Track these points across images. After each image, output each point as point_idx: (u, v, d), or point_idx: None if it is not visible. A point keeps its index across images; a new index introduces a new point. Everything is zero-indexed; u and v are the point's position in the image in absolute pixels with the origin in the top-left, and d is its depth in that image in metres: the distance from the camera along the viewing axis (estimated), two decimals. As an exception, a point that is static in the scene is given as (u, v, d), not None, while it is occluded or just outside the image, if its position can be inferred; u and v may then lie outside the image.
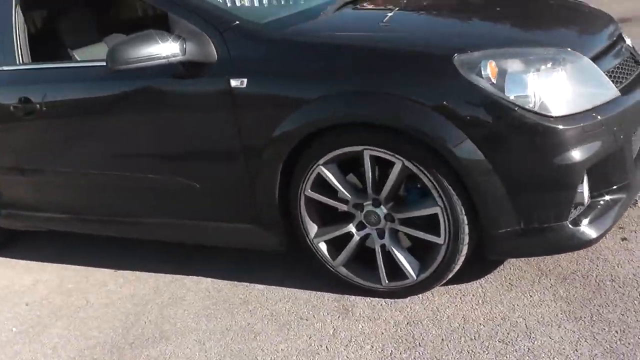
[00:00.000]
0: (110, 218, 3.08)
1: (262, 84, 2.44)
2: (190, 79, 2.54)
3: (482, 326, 2.31)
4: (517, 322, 2.30)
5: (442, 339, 2.27)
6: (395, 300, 2.56)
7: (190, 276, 3.06)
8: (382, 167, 2.41)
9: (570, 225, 2.24)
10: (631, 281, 2.40)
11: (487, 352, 2.17)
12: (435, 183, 2.26)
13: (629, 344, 2.10)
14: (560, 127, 2.12)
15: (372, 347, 2.31)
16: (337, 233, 2.56)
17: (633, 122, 2.37)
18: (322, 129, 2.36)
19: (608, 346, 2.10)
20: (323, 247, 2.61)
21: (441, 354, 2.20)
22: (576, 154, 2.15)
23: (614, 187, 2.36)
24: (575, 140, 2.15)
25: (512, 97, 2.13)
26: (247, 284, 2.91)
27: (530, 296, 2.43)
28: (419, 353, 2.23)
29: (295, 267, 2.94)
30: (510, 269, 2.61)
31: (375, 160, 2.35)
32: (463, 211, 2.28)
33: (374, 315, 2.48)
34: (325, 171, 2.44)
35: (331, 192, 2.55)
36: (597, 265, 2.52)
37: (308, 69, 2.38)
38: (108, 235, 3.26)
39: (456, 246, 2.33)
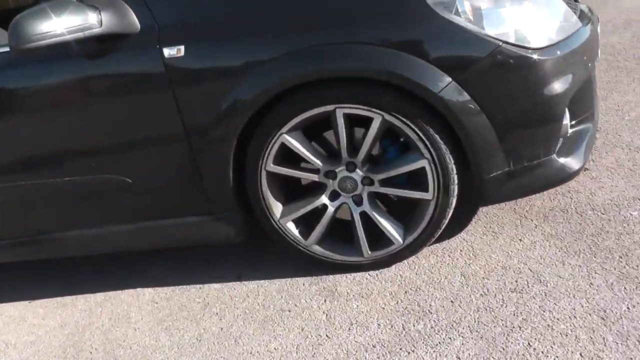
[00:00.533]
0: (24, 239, 2.50)
1: (204, 49, 2.07)
2: (111, 53, 2.09)
3: (486, 280, 2.15)
4: (519, 268, 2.16)
5: (452, 301, 2.08)
6: (380, 271, 2.33)
7: (125, 290, 2.62)
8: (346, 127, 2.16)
9: (557, 158, 2.15)
10: (611, 206, 2.36)
11: (505, 305, 2.01)
12: (421, 134, 2.05)
13: (636, 266, 2.04)
14: (544, 58, 2.00)
15: (379, 325, 2.06)
16: (309, 208, 2.27)
17: (594, 51, 2.33)
18: (284, 92, 2.06)
19: (619, 272, 2.03)
20: (292, 226, 2.31)
21: (457, 316, 2.01)
22: (561, 84, 2.05)
23: (583, 116, 2.31)
24: (559, 70, 2.05)
25: (493, 33, 1.97)
26: (199, 285, 2.53)
27: (520, 240, 2.31)
28: (434, 321, 2.02)
29: (249, 257, 2.61)
30: (487, 217, 2.48)
31: (348, 119, 2.10)
32: (452, 160, 2.09)
33: (365, 291, 2.24)
34: (290, 139, 2.14)
35: (293, 164, 2.26)
36: (572, 199, 2.47)
37: (259, 25, 2.04)
38: (11, 262, 2.70)
39: (446, 199, 2.14)
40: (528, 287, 2.07)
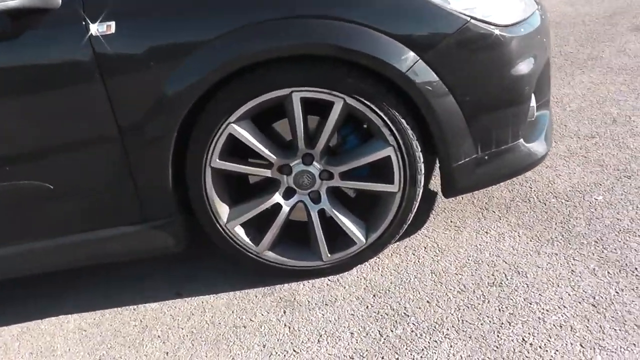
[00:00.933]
0: None
1: (138, 26, 1.79)
2: (27, 32, 1.77)
3: (460, 276, 1.98)
4: (493, 261, 2.01)
5: (428, 302, 1.89)
6: (341, 275, 2.10)
7: (46, 319, 2.24)
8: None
9: (524, 143, 2.03)
10: (573, 193, 2.27)
11: (487, 301, 1.84)
12: (386, 118, 1.86)
13: (614, 249, 1.94)
14: (511, 35, 1.88)
15: (353, 333, 1.84)
16: (260, 209, 2.02)
17: (549, 34, 2.25)
18: (231, 76, 1.81)
19: (598, 257, 1.92)
20: (240, 231, 2.05)
21: (438, 317, 1.82)
22: (528, 63, 1.95)
23: (541, 101, 2.22)
24: (524, 50, 1.94)
25: (459, 8, 1.83)
26: (133, 306, 2.20)
27: (486, 232, 2.16)
28: (414, 324, 1.82)
29: (187, 269, 2.32)
30: (445, 212, 2.32)
31: (304, 105, 1.88)
32: (418, 147, 1.92)
33: (328, 298, 2.01)
34: (240, 130, 1.89)
35: (239, 159, 2.01)
36: (531, 188, 2.36)
37: (201, -2, 1.80)
38: None
39: (413, 191, 1.96)
40: (507, 279, 1.92)
